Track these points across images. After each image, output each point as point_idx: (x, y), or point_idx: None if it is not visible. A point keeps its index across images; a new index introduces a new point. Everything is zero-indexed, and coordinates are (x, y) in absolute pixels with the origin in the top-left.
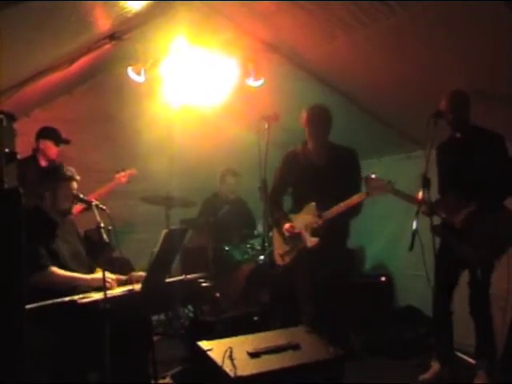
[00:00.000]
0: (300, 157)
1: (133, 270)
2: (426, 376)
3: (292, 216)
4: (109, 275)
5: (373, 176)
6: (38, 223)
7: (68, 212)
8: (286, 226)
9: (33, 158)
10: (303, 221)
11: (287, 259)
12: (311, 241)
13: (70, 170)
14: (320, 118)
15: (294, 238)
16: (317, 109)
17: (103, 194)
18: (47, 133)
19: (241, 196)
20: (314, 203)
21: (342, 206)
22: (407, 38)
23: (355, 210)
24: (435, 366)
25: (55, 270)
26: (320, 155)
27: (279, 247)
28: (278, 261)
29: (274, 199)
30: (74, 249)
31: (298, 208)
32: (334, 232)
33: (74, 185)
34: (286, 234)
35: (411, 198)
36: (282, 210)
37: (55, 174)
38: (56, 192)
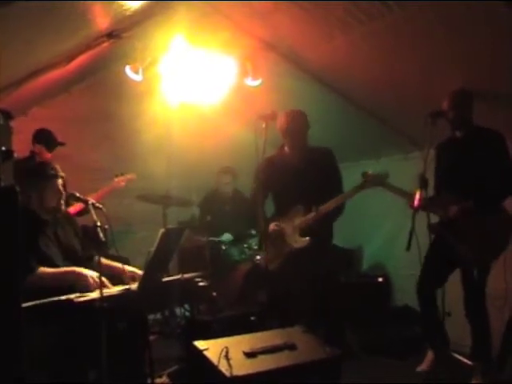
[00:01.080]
0: (278, 161)
1: None
2: (423, 366)
3: (276, 219)
4: (91, 273)
5: (369, 172)
6: (26, 225)
7: (57, 210)
8: (271, 226)
9: (31, 159)
10: (291, 223)
11: (276, 263)
12: (302, 241)
13: (54, 168)
14: (298, 125)
15: (281, 240)
16: (294, 115)
17: (101, 197)
18: (40, 137)
19: (239, 190)
20: (300, 206)
21: (337, 199)
22: (405, 38)
23: (339, 210)
24: (429, 354)
25: (43, 270)
26: (298, 158)
27: (267, 251)
28: (268, 265)
29: (256, 206)
30: (68, 247)
31: (281, 212)
32: (319, 234)
33: (59, 181)
34: (273, 233)
35: (403, 193)
36: (264, 217)
37: (39, 174)
38: (42, 191)
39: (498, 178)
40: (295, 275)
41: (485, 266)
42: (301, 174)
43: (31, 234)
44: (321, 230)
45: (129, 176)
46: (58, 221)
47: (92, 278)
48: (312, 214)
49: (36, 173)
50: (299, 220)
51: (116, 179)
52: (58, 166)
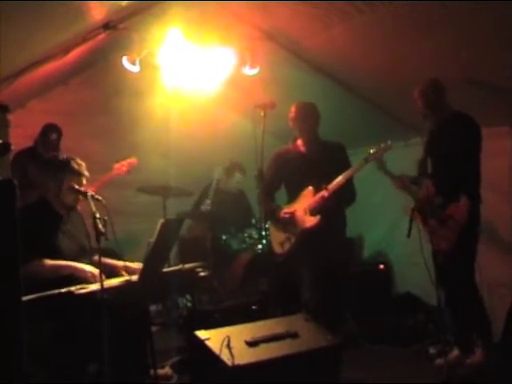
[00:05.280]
0: (291, 153)
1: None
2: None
3: (288, 205)
4: (90, 268)
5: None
6: (41, 215)
7: (73, 207)
8: (284, 210)
9: (33, 150)
10: (301, 205)
11: (287, 246)
12: (312, 220)
13: (80, 165)
14: (307, 115)
15: (292, 223)
16: (304, 105)
17: (103, 184)
18: (41, 134)
19: (244, 192)
20: (310, 187)
21: (345, 175)
22: (405, 26)
23: (350, 194)
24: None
25: (43, 261)
26: (311, 150)
27: (277, 236)
28: (277, 249)
29: (268, 193)
30: (79, 244)
31: (293, 199)
32: (333, 220)
33: (82, 181)
34: (286, 216)
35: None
36: (274, 203)
37: (65, 167)
38: (61, 184)
39: (461, 165)
40: (305, 258)
41: (442, 253)
42: (313, 165)
43: (45, 225)
44: (332, 211)
45: (129, 160)
46: (71, 218)
47: (91, 272)
48: (322, 193)
49: (62, 165)
50: (310, 200)
51: (117, 165)
52: (84, 165)
